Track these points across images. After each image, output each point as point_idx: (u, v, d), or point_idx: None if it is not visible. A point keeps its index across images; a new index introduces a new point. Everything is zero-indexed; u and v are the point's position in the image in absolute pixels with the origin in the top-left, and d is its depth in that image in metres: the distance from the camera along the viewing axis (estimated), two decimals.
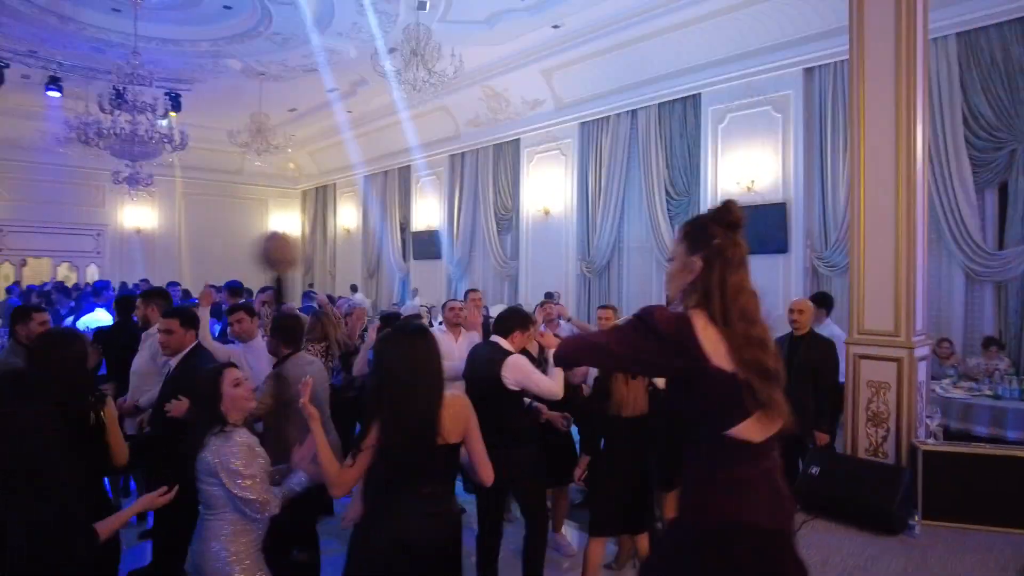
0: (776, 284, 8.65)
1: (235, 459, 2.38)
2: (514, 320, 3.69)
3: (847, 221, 6.96)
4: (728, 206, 1.81)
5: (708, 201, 9.58)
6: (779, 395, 1.71)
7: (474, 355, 3.75)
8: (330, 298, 7.16)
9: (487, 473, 2.50)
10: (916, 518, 4.07)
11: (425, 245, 15.35)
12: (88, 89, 12.19)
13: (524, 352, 3.67)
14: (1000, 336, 6.97)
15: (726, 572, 1.70)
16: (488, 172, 13.62)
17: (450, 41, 9.26)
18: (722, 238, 1.76)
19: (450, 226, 14.74)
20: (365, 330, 5.73)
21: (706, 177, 9.66)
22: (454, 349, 4.85)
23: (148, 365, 4.28)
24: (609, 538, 3.74)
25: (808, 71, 8.58)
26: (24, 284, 13.83)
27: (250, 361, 4.28)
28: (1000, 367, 6.31)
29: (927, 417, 4.73)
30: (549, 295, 10.18)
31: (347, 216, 18.64)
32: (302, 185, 20.70)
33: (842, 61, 7.88)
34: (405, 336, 2.41)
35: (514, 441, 3.38)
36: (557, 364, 2.57)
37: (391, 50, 8.48)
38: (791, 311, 4.87)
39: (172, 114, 11.41)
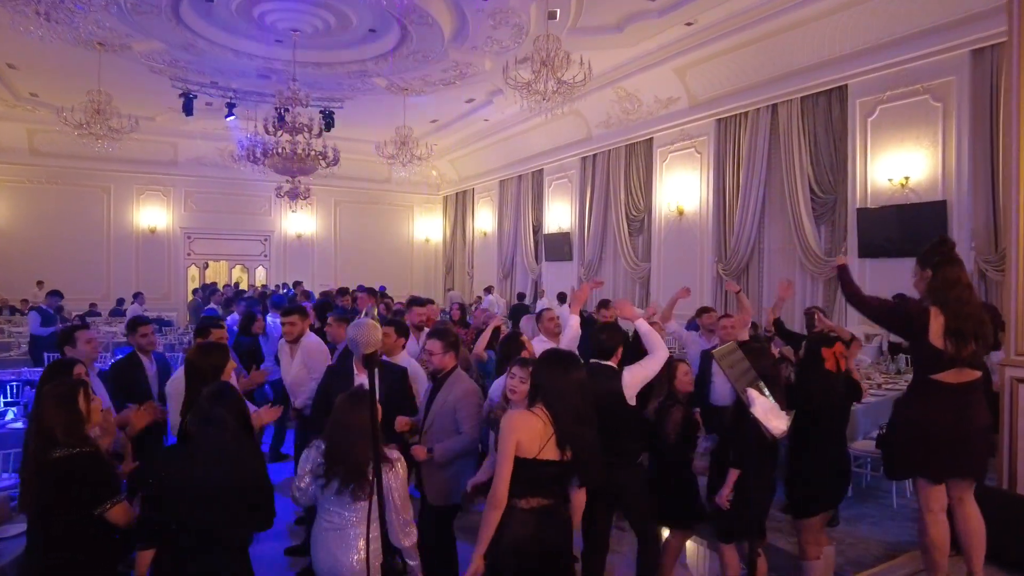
0: None
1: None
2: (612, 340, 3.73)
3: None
4: None
5: (856, 199, 8.95)
6: None
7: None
8: (462, 307, 7.24)
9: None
10: None
11: (556, 247, 15.55)
12: (256, 111, 13.67)
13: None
14: None
15: None
16: (620, 173, 13.54)
17: (580, 47, 9.34)
18: None
19: (581, 228, 14.82)
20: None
21: (854, 174, 9.03)
22: None
23: (301, 372, 4.72)
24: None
25: (977, 53, 7.73)
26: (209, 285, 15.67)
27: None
28: None
29: None
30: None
31: (484, 220, 19.30)
32: (443, 191, 21.69)
33: None
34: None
35: (620, 459, 3.39)
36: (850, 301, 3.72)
37: (522, 60, 8.70)
38: None
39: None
